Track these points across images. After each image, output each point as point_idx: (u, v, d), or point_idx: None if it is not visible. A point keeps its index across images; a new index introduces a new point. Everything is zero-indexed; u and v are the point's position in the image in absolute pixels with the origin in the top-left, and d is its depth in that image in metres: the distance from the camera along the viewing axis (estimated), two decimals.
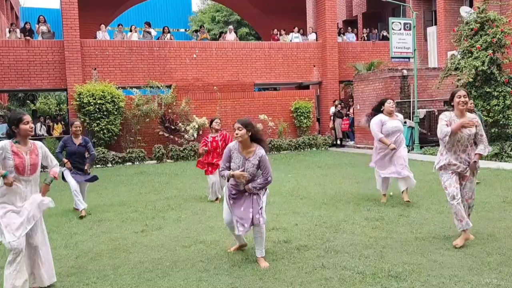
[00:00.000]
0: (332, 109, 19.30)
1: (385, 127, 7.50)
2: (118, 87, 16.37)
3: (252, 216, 4.71)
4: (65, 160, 7.52)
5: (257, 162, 4.71)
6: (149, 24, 19.39)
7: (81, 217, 7.29)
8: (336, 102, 19.45)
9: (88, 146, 7.75)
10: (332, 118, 19.18)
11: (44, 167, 4.62)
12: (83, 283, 4.46)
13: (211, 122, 8.41)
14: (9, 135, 4.34)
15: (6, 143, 4.22)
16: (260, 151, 4.74)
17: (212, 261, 4.93)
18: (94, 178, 7.85)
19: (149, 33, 18.92)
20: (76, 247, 5.72)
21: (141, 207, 8.03)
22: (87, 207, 7.62)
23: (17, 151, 4.22)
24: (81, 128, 7.90)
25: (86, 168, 7.67)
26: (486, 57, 13.17)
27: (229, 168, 4.83)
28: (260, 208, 4.80)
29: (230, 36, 20.07)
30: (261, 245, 4.79)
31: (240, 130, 4.66)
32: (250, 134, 4.69)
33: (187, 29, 36.79)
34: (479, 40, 13.55)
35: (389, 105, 7.61)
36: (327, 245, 5.33)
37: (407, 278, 4.18)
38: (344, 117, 19.00)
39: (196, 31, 20.87)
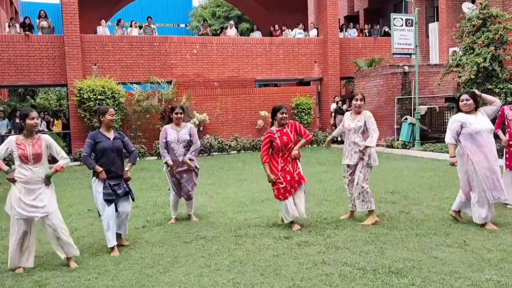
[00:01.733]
0: (333, 106, 19.27)
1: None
2: (118, 83, 16.34)
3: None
4: (99, 169, 5.23)
5: (188, 131, 6.47)
6: (151, 19, 19.34)
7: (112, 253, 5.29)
8: (336, 99, 19.41)
9: (125, 142, 5.56)
10: (333, 114, 19.15)
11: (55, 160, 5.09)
12: (84, 279, 4.47)
13: (274, 113, 6.04)
14: (20, 128, 4.94)
15: (12, 138, 4.89)
16: (190, 125, 6.69)
17: (213, 257, 4.94)
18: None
19: (151, 29, 18.86)
20: (77, 243, 5.70)
21: (142, 203, 8.03)
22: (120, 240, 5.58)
23: (20, 143, 4.82)
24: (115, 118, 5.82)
25: (127, 170, 5.49)
26: (488, 53, 13.12)
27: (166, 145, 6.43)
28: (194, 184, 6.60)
29: (231, 32, 20.02)
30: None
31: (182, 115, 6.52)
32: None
33: (187, 25, 36.68)
34: (481, 37, 13.50)
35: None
36: (328, 241, 5.34)
37: (408, 274, 4.18)
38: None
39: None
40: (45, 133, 5.17)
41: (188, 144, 6.43)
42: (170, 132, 6.42)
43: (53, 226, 4.88)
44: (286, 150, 5.93)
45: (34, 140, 4.88)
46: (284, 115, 5.95)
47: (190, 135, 6.44)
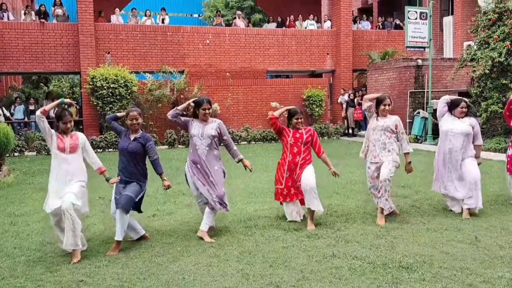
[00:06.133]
0: (340, 98, 19.24)
1: None
2: (131, 72, 16.40)
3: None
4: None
5: (216, 126, 5.43)
6: (165, 10, 19.36)
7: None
8: (342, 91, 19.36)
9: (148, 146, 5.14)
10: (344, 107, 19.06)
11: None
12: (94, 266, 4.51)
13: (290, 117, 5.91)
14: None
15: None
16: (217, 120, 5.57)
17: (222, 247, 4.96)
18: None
19: (163, 20, 18.87)
20: (88, 230, 5.77)
21: (153, 191, 8.05)
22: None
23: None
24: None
25: (165, 184, 5.22)
26: (503, 48, 12.92)
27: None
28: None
29: (239, 22, 19.90)
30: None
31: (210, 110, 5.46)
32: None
33: (200, 15, 36.56)
34: (496, 31, 13.29)
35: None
36: (338, 234, 5.32)
37: (418, 270, 4.16)
38: (357, 106, 18.85)
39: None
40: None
41: (212, 141, 5.36)
42: (195, 125, 5.41)
43: None
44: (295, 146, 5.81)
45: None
46: (300, 120, 5.84)
47: (219, 133, 5.41)
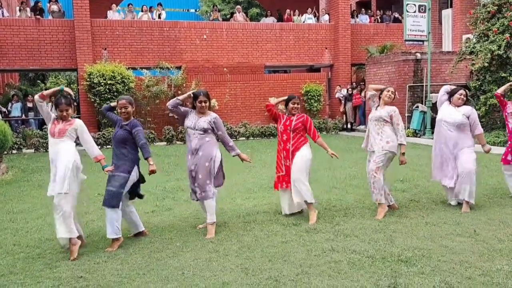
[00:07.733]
0: (338, 93, 19.22)
1: None
2: (128, 68, 16.33)
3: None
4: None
5: (210, 119, 5.38)
6: (161, 5, 19.30)
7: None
8: (338, 88, 19.33)
9: (134, 133, 5.01)
10: (343, 102, 19.04)
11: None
12: (94, 262, 4.51)
13: (287, 102, 5.90)
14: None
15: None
16: (214, 114, 5.50)
17: (221, 242, 4.95)
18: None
19: (159, 16, 18.81)
20: (87, 226, 5.77)
21: (152, 188, 8.03)
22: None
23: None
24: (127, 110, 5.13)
25: (150, 168, 5.06)
26: (503, 41, 12.88)
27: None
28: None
29: (239, 17, 19.85)
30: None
31: (206, 103, 5.43)
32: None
33: (197, 9, 36.40)
34: (496, 23, 13.25)
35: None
36: (337, 228, 5.33)
37: (417, 263, 4.16)
38: (355, 93, 18.79)
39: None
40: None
41: (205, 134, 5.33)
42: (191, 117, 5.42)
43: None
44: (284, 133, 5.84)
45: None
46: (296, 105, 5.85)
47: (213, 127, 5.35)
